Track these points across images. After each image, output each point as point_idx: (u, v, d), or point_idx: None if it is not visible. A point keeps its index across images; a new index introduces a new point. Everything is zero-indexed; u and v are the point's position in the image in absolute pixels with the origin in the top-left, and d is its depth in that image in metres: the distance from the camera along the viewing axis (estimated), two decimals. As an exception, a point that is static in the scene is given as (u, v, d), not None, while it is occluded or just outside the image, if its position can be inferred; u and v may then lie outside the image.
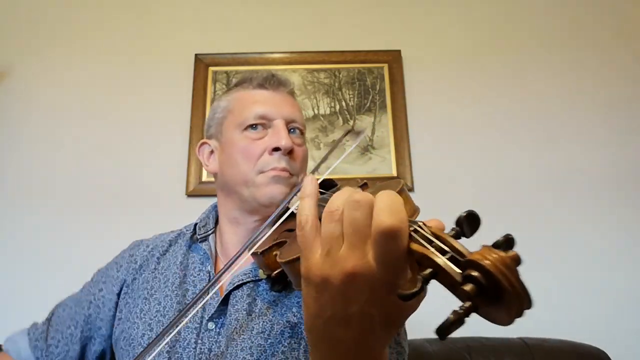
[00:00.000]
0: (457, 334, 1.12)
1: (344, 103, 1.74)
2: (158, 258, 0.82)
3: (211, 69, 1.75)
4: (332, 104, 1.73)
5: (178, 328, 0.45)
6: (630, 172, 1.65)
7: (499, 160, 1.67)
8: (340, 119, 1.72)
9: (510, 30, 1.85)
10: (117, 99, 1.72)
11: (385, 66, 1.77)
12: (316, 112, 1.73)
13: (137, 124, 1.69)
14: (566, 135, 1.70)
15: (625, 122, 1.72)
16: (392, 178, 1.61)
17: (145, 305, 0.75)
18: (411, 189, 1.60)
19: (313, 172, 0.69)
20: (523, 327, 1.35)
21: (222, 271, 0.55)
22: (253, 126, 0.77)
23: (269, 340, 0.66)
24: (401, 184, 0.49)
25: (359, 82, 1.76)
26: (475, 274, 0.29)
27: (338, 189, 0.71)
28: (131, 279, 0.81)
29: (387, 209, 0.35)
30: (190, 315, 0.49)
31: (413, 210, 0.49)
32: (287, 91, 0.84)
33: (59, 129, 1.67)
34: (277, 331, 0.67)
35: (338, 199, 0.39)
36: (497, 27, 1.85)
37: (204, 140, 0.86)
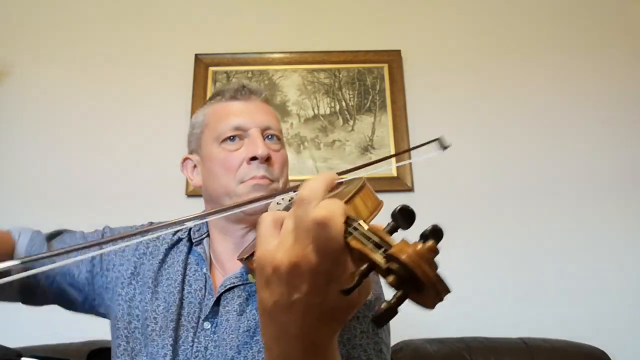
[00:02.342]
0: (457, 334, 1.12)
1: (344, 103, 1.74)
2: (167, 250, 0.84)
3: (211, 69, 1.75)
4: (332, 104, 1.73)
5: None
6: (633, 172, 1.66)
7: (499, 159, 1.67)
8: (340, 119, 1.72)
9: (510, 30, 1.85)
10: (117, 99, 1.72)
11: (385, 66, 1.77)
12: (316, 112, 1.72)
13: (137, 124, 1.69)
14: (567, 134, 1.70)
15: (626, 121, 1.72)
16: (392, 178, 1.61)
17: (148, 295, 0.78)
18: (411, 189, 1.60)
19: (344, 173, 0.69)
20: (523, 327, 1.36)
21: (184, 219, 0.60)
22: (230, 138, 0.79)
23: (255, 337, 0.69)
24: (362, 181, 0.53)
25: (359, 82, 1.76)
26: (394, 266, 0.32)
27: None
28: (139, 262, 0.83)
29: (322, 204, 0.39)
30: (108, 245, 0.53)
31: (375, 205, 0.51)
32: (260, 99, 0.85)
33: (59, 128, 1.67)
34: None
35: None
36: (497, 27, 1.85)
37: (186, 155, 0.89)
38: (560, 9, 1.88)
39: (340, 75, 1.77)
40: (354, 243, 0.37)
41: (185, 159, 0.89)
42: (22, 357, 0.97)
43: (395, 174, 1.62)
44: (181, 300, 0.76)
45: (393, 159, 0.57)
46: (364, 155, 1.66)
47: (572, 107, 1.74)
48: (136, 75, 1.75)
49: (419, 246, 0.33)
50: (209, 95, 1.71)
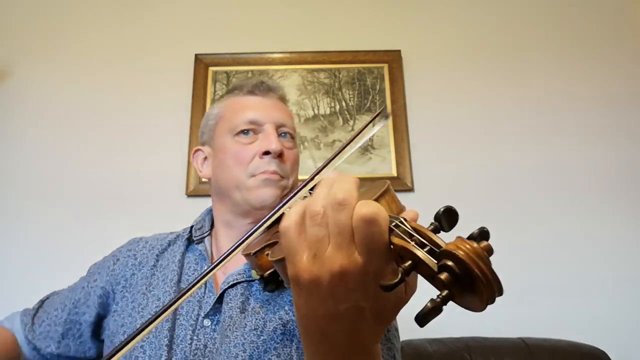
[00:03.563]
0: (457, 333, 1.12)
1: (344, 103, 1.74)
2: (157, 255, 0.83)
3: (211, 69, 1.75)
4: (332, 104, 1.73)
5: (159, 319, 0.46)
6: (632, 172, 1.65)
7: (499, 160, 1.67)
8: (340, 119, 1.72)
9: (510, 30, 1.85)
10: (117, 99, 1.72)
11: (385, 66, 1.77)
12: (316, 112, 1.72)
13: (137, 124, 1.69)
14: (566, 135, 1.70)
15: (625, 121, 1.72)
16: (392, 178, 1.61)
17: (144, 300, 0.77)
18: (411, 189, 1.60)
19: (322, 167, 0.67)
20: (523, 327, 1.36)
21: (211, 267, 0.56)
22: (244, 131, 0.80)
23: (262, 337, 0.68)
24: (387, 185, 0.51)
25: (359, 82, 1.76)
26: (449, 263, 0.31)
27: None
28: (130, 274, 0.82)
29: (365, 203, 0.37)
30: (172, 309, 0.50)
31: (399, 209, 0.50)
32: (277, 97, 0.86)
33: (59, 128, 1.67)
34: (269, 328, 0.69)
35: (319, 199, 0.39)
36: (497, 27, 1.85)
37: (198, 147, 0.89)
38: (561, 9, 1.88)
39: (340, 75, 1.77)
40: (397, 241, 0.36)
41: (196, 150, 0.89)
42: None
43: (395, 174, 1.62)
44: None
45: (348, 148, 0.58)
46: (364, 155, 1.66)
47: (574, 106, 1.74)
48: (136, 75, 1.75)
49: (475, 244, 0.32)
50: (209, 95, 1.71)
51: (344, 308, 0.39)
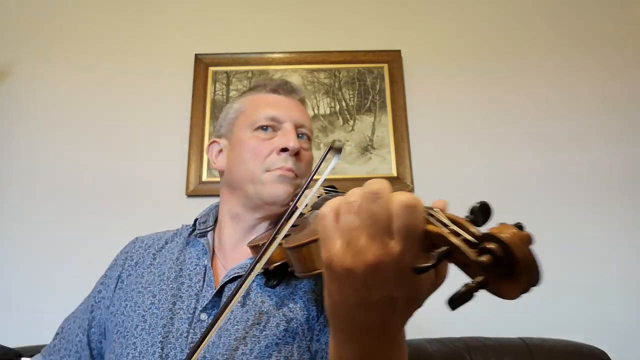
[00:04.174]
0: (457, 334, 1.12)
1: (344, 103, 1.74)
2: (154, 254, 0.84)
3: (211, 69, 1.75)
4: (332, 104, 1.73)
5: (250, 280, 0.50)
6: (632, 173, 1.65)
7: (499, 160, 1.67)
8: (340, 119, 1.72)
9: (509, 30, 1.85)
10: (117, 99, 1.72)
11: (385, 66, 1.77)
12: (316, 112, 1.72)
13: (137, 124, 1.69)
14: (565, 135, 1.70)
15: (622, 123, 1.72)
16: (392, 178, 1.61)
17: (139, 298, 0.77)
18: (411, 189, 1.60)
19: (304, 189, 0.67)
20: (523, 327, 1.35)
21: (259, 257, 0.58)
22: (263, 127, 0.81)
23: (264, 332, 0.68)
24: (408, 188, 0.51)
25: (359, 82, 1.76)
26: (492, 246, 0.32)
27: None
28: (126, 275, 0.82)
29: (403, 193, 0.38)
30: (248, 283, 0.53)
31: None
32: (299, 98, 0.88)
33: (59, 128, 1.67)
34: (272, 324, 0.69)
35: (355, 191, 0.41)
36: (497, 28, 1.85)
37: (214, 139, 0.90)
38: (560, 10, 1.88)
39: (340, 75, 1.77)
40: (432, 228, 0.37)
41: (212, 142, 0.90)
42: (22, 357, 0.97)
43: (395, 174, 1.62)
44: (175, 295, 0.75)
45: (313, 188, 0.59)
46: (364, 155, 1.66)
47: (574, 106, 1.74)
48: (136, 75, 1.75)
49: (517, 230, 0.32)
50: (209, 95, 1.71)
51: (377, 297, 0.39)
